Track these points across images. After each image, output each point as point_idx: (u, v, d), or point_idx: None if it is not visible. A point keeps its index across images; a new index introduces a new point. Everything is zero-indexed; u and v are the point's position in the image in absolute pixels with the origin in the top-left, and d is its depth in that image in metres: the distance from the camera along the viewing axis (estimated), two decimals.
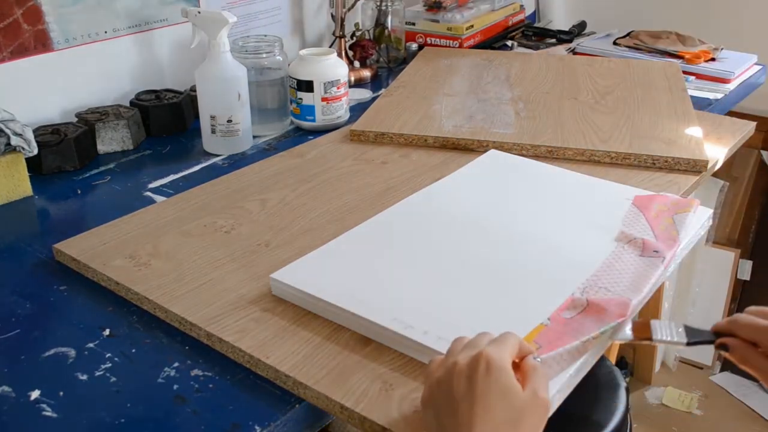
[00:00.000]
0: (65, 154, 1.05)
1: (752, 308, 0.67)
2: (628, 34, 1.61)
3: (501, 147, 1.06)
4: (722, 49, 1.49)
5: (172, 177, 1.05)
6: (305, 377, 0.62)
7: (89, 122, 1.11)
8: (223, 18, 1.05)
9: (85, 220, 0.94)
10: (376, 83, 1.45)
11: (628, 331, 0.66)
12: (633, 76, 1.35)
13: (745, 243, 2.01)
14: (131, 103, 1.19)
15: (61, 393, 0.63)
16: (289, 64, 1.19)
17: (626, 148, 1.04)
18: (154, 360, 0.67)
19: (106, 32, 1.18)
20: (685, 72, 1.39)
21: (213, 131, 1.10)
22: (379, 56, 1.52)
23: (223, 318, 0.70)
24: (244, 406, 0.62)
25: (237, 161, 1.09)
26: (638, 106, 1.20)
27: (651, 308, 1.97)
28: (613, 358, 1.84)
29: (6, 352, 0.69)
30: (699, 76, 1.42)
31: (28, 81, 1.10)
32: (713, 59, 1.46)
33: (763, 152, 1.91)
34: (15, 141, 0.95)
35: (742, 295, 2.06)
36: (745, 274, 2.02)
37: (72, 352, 0.69)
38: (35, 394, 0.63)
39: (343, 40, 1.43)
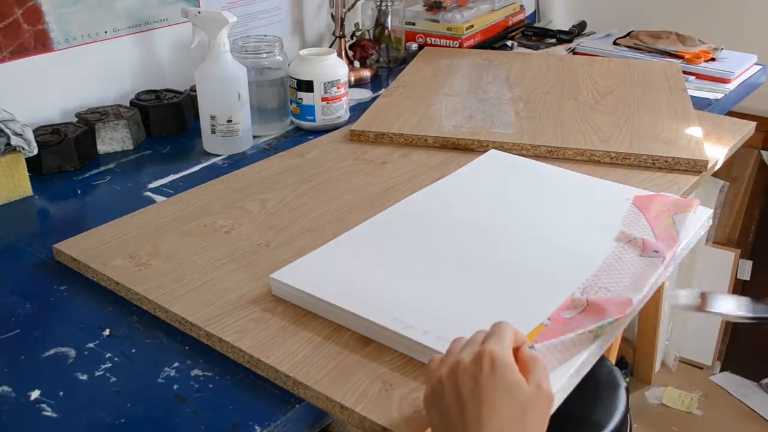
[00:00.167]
0: (65, 154, 1.05)
1: None
2: (628, 34, 1.61)
3: (501, 147, 1.06)
4: (722, 49, 1.49)
5: (172, 177, 1.05)
6: (305, 377, 0.62)
7: (89, 122, 1.11)
8: (223, 18, 1.05)
9: (85, 220, 0.94)
10: (376, 83, 1.45)
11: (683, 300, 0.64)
12: (633, 76, 1.35)
13: (745, 243, 2.01)
14: (131, 103, 1.19)
15: (61, 393, 0.63)
16: (289, 64, 1.19)
17: (626, 148, 1.04)
18: (154, 360, 0.67)
19: (106, 32, 1.18)
20: (685, 72, 1.39)
21: (213, 131, 1.10)
22: (379, 56, 1.52)
23: (223, 318, 0.70)
24: (244, 406, 0.62)
25: (237, 161, 1.09)
26: (638, 106, 1.20)
27: (651, 308, 1.97)
28: (613, 358, 1.84)
29: (6, 352, 0.69)
30: (699, 76, 1.42)
31: (28, 81, 1.10)
32: (713, 59, 1.46)
33: (763, 152, 1.91)
34: (15, 141, 0.95)
35: (742, 295, 2.06)
36: (745, 274, 2.01)
37: (72, 352, 0.69)
38: (35, 394, 0.63)
39: (343, 40, 1.43)
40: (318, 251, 0.79)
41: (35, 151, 0.98)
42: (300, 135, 1.19)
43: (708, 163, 1.00)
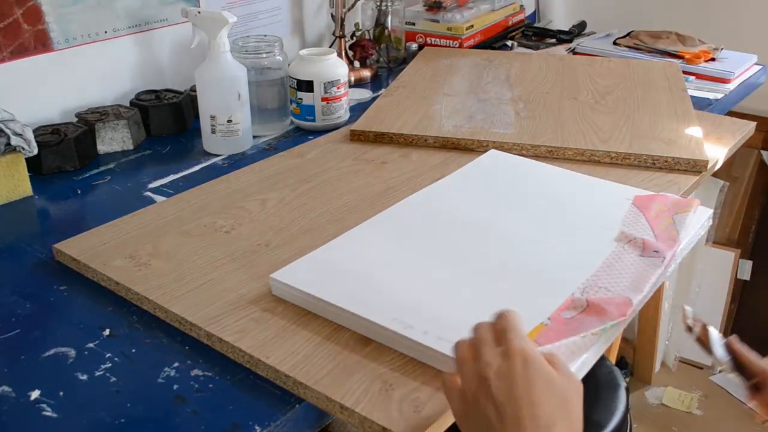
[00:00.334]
0: (65, 154, 1.05)
1: None
2: (628, 34, 1.61)
3: (501, 147, 1.06)
4: (722, 49, 1.49)
5: (172, 177, 1.05)
6: (305, 377, 0.62)
7: (89, 122, 1.11)
8: (223, 18, 1.05)
9: (85, 220, 0.94)
10: (376, 83, 1.45)
11: (696, 329, 0.64)
12: (633, 76, 1.35)
13: (745, 243, 2.01)
14: (131, 103, 1.19)
15: (61, 393, 0.63)
16: (289, 64, 1.19)
17: (626, 148, 1.04)
18: (154, 360, 0.67)
19: (106, 32, 1.18)
20: (685, 72, 1.39)
21: (213, 131, 1.10)
22: (379, 56, 1.52)
23: (223, 318, 0.70)
24: (244, 406, 0.62)
25: (237, 161, 1.09)
26: (638, 106, 1.20)
27: (651, 308, 1.97)
28: (613, 358, 1.84)
29: (6, 352, 0.69)
30: (699, 76, 1.42)
31: (28, 81, 1.10)
32: (713, 59, 1.46)
33: (763, 152, 1.91)
34: (15, 141, 0.95)
35: (742, 295, 2.06)
36: (745, 274, 2.02)
37: (72, 352, 0.69)
38: (35, 394, 0.63)
39: (343, 40, 1.43)
40: (318, 251, 0.79)
41: (35, 151, 0.98)
42: (300, 135, 1.19)
43: (708, 163, 1.00)
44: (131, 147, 1.14)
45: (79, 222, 0.93)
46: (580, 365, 0.63)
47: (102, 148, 1.12)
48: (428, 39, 1.60)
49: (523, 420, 0.50)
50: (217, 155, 1.12)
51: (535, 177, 0.97)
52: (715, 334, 0.62)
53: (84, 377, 0.65)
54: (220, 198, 0.95)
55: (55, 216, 0.97)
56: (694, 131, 1.10)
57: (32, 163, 1.02)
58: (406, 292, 0.71)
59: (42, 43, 1.10)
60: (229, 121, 1.09)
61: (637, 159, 1.03)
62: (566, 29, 1.73)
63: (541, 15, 1.95)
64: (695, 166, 1.01)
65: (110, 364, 0.67)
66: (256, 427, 0.59)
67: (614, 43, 1.58)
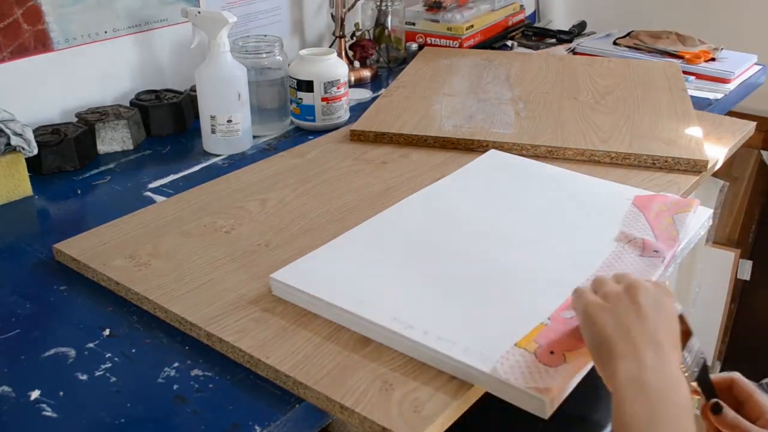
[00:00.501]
0: (65, 154, 1.05)
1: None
2: (628, 34, 1.61)
3: (501, 147, 1.06)
4: (722, 49, 1.49)
5: (172, 177, 1.05)
6: (305, 377, 0.62)
7: (89, 122, 1.11)
8: (223, 18, 1.05)
9: (85, 220, 0.94)
10: (376, 83, 1.45)
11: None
12: (633, 76, 1.35)
13: (745, 243, 2.01)
14: (131, 103, 1.19)
15: (61, 393, 0.63)
16: (289, 64, 1.19)
17: (626, 148, 1.04)
18: (154, 360, 0.67)
19: (106, 32, 1.18)
20: (685, 72, 1.39)
21: (213, 131, 1.10)
22: (379, 56, 1.52)
23: (223, 318, 0.70)
24: (244, 406, 0.62)
25: (237, 161, 1.09)
26: (638, 106, 1.20)
27: None
28: None
29: (6, 352, 0.69)
30: (699, 76, 1.42)
31: (28, 81, 1.10)
32: (713, 59, 1.46)
33: (763, 152, 1.91)
34: (15, 141, 0.95)
35: (742, 295, 2.06)
36: (745, 274, 2.01)
37: (72, 352, 0.69)
38: (35, 394, 0.63)
39: (343, 40, 1.43)
40: (318, 251, 0.79)
41: (35, 151, 0.98)
42: (300, 135, 1.19)
43: (708, 163, 1.00)
44: (131, 147, 1.14)
45: (79, 222, 0.93)
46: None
47: (102, 148, 1.12)
48: (428, 39, 1.60)
49: (659, 332, 0.57)
50: (217, 155, 1.12)
51: (535, 177, 0.97)
52: (695, 344, 0.62)
53: (84, 377, 0.65)
54: (220, 198, 0.95)
55: (55, 216, 0.97)
56: (694, 131, 1.10)
57: (32, 163, 1.02)
58: (406, 292, 0.71)
59: (42, 43, 1.10)
60: (229, 121, 1.09)
61: (637, 159, 1.03)
62: (566, 29, 1.73)
63: (541, 15, 1.95)
64: (695, 166, 1.01)
65: (110, 364, 0.67)
66: (256, 427, 0.59)
67: (614, 43, 1.58)
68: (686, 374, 0.60)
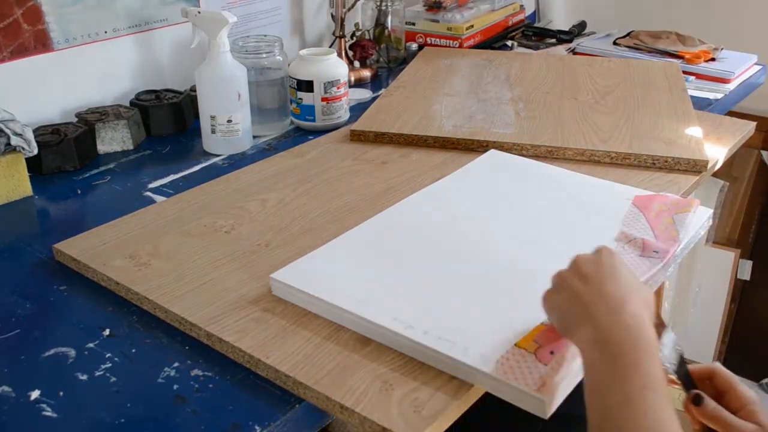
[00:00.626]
0: (65, 154, 1.05)
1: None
2: (628, 34, 1.61)
3: (501, 147, 1.06)
4: (722, 49, 1.49)
5: (172, 177, 1.05)
6: (305, 377, 0.62)
7: (89, 122, 1.11)
8: (223, 18, 1.05)
9: (85, 220, 0.94)
10: (376, 83, 1.45)
11: None
12: (633, 76, 1.35)
13: (745, 243, 2.01)
14: (131, 103, 1.19)
15: (61, 393, 0.63)
16: (289, 64, 1.19)
17: (626, 148, 1.04)
18: (154, 360, 0.67)
19: (106, 32, 1.18)
20: (685, 72, 1.39)
21: (213, 131, 1.10)
22: (379, 56, 1.52)
23: (223, 318, 0.70)
24: (244, 406, 0.62)
25: (237, 161, 1.09)
26: (638, 106, 1.20)
27: None
28: None
29: (6, 352, 0.69)
30: (699, 76, 1.42)
31: (28, 81, 1.10)
32: (713, 59, 1.46)
33: (763, 152, 1.91)
34: (15, 141, 0.95)
35: (742, 295, 2.06)
36: (745, 274, 2.01)
37: (72, 352, 0.68)
38: (35, 394, 0.63)
39: (343, 40, 1.43)
40: (318, 251, 0.79)
41: (35, 151, 0.98)
42: (300, 135, 1.19)
43: (708, 163, 1.00)
44: (131, 147, 1.14)
45: (79, 222, 0.93)
46: (581, 365, 0.62)
47: (102, 148, 1.12)
48: (428, 39, 1.60)
49: (606, 287, 0.58)
50: (217, 155, 1.12)
51: (535, 177, 0.97)
52: (670, 336, 0.62)
53: (84, 377, 0.65)
54: (220, 198, 0.95)
55: (55, 216, 0.97)
56: (694, 131, 1.10)
57: (32, 163, 1.02)
58: (406, 292, 0.71)
59: (42, 43, 1.10)
60: (229, 121, 1.09)
61: (637, 159, 1.03)
62: (566, 29, 1.73)
63: (541, 15, 1.95)
64: (695, 166, 1.01)
65: (110, 364, 0.67)
66: (256, 427, 0.59)
67: (614, 43, 1.58)
68: (664, 368, 0.60)
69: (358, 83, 1.43)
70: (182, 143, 1.17)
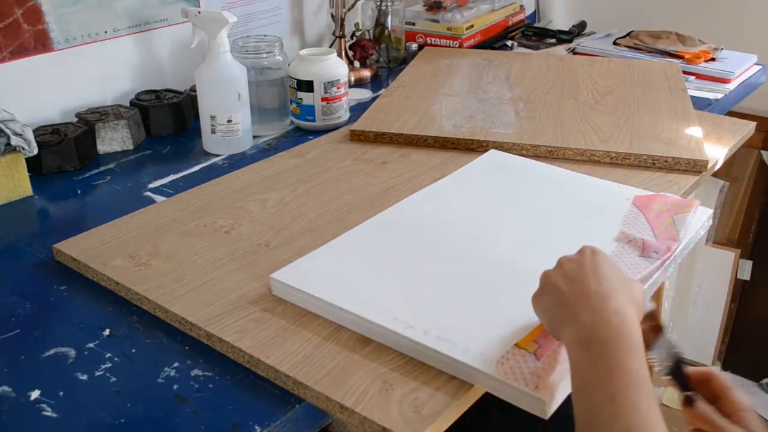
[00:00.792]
0: (65, 154, 1.05)
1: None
2: (628, 34, 1.61)
3: (501, 147, 1.06)
4: (722, 49, 1.49)
5: (172, 177, 1.05)
6: (305, 377, 0.62)
7: (89, 122, 1.11)
8: (223, 18, 1.05)
9: (85, 220, 0.94)
10: (376, 83, 1.45)
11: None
12: (633, 76, 1.35)
13: (745, 243, 2.01)
14: (131, 103, 1.19)
15: (61, 393, 0.63)
16: (289, 64, 1.19)
17: (626, 148, 1.04)
18: (154, 360, 0.67)
19: (106, 32, 1.18)
20: (685, 72, 1.39)
21: (213, 131, 1.10)
22: (379, 56, 1.52)
23: (223, 318, 0.70)
24: (244, 406, 0.62)
25: (237, 161, 1.09)
26: (638, 106, 1.20)
27: None
28: None
29: (6, 352, 0.69)
30: (699, 76, 1.42)
31: (28, 81, 1.10)
32: (713, 59, 1.46)
33: (763, 152, 1.91)
34: (15, 141, 0.95)
35: (742, 295, 2.06)
36: (745, 274, 2.01)
37: (72, 352, 0.69)
38: (35, 394, 0.63)
39: (343, 40, 1.43)
40: (318, 251, 0.79)
41: (35, 151, 0.98)
42: (300, 135, 1.19)
43: (708, 163, 1.00)
44: (131, 147, 1.14)
45: (79, 222, 0.93)
46: None
47: (102, 148, 1.12)
48: (428, 39, 1.60)
49: (588, 285, 0.58)
50: (217, 155, 1.12)
51: (535, 177, 0.97)
52: (666, 339, 0.62)
53: (84, 377, 0.65)
54: (220, 198, 0.95)
55: (55, 216, 0.97)
56: (694, 131, 1.10)
57: (32, 163, 1.02)
58: (406, 292, 0.71)
59: (42, 43, 1.10)
60: (229, 121, 1.09)
61: (637, 159, 1.03)
62: (566, 29, 1.73)
63: (541, 15, 1.95)
64: (695, 166, 1.01)
65: (110, 364, 0.67)
66: (256, 427, 0.59)
67: (614, 43, 1.58)
68: (657, 369, 0.61)
69: (358, 83, 1.43)
70: (182, 143, 1.17)
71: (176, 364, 0.67)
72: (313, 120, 1.18)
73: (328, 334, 0.68)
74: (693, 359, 2.14)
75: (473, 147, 1.08)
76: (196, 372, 0.66)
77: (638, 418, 0.50)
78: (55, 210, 0.98)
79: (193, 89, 1.22)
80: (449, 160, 1.05)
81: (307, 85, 1.16)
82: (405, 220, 0.85)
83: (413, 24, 1.60)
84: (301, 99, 1.17)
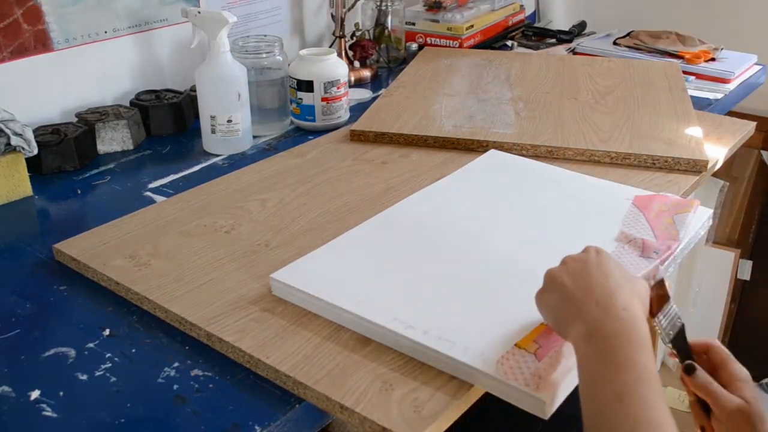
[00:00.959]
0: (65, 154, 1.05)
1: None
2: (628, 34, 1.61)
3: (501, 147, 1.06)
4: (722, 49, 1.49)
5: (172, 177, 1.05)
6: (305, 377, 0.62)
7: (89, 122, 1.11)
8: (223, 18, 1.05)
9: (85, 220, 0.94)
10: (376, 83, 1.45)
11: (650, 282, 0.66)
12: (633, 76, 1.35)
13: (745, 243, 2.01)
14: (131, 103, 1.19)
15: (61, 393, 0.63)
16: (289, 64, 1.19)
17: (626, 148, 1.04)
18: (154, 360, 0.67)
19: (106, 32, 1.18)
20: (685, 72, 1.39)
21: (213, 131, 1.10)
22: (379, 56, 1.52)
23: (223, 318, 0.70)
24: (244, 406, 0.62)
25: (237, 161, 1.09)
26: (638, 106, 1.20)
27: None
28: None
29: (6, 352, 0.69)
30: (699, 76, 1.42)
31: (28, 81, 1.10)
32: (713, 59, 1.46)
33: (763, 152, 1.91)
34: (15, 141, 0.95)
35: (742, 295, 2.06)
36: (745, 274, 2.01)
37: (72, 352, 0.69)
38: (35, 394, 0.63)
39: (343, 40, 1.43)
40: (318, 251, 0.79)
41: (35, 151, 0.98)
42: (300, 135, 1.19)
43: (708, 163, 1.00)
44: (131, 147, 1.14)
45: (79, 222, 0.93)
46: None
47: (102, 148, 1.12)
48: (428, 39, 1.60)
49: (594, 282, 0.59)
50: (217, 155, 1.12)
51: (535, 177, 0.97)
52: (672, 308, 0.63)
53: (84, 377, 0.65)
54: (220, 198, 0.95)
55: (55, 216, 0.97)
56: (694, 131, 1.10)
57: (32, 163, 1.02)
58: (406, 292, 0.71)
59: (42, 43, 1.10)
60: (229, 121, 1.09)
61: (637, 159, 1.03)
62: (566, 29, 1.73)
63: (541, 15, 1.95)
64: (695, 166, 1.01)
65: (110, 364, 0.67)
66: (256, 427, 0.59)
67: (614, 43, 1.58)
68: (660, 335, 0.62)
69: (358, 83, 1.43)
70: (182, 143, 1.17)
71: (176, 364, 0.67)
72: (313, 120, 1.18)
73: (328, 334, 0.68)
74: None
75: (473, 147, 1.08)
76: (196, 372, 0.66)
77: (647, 413, 0.50)
78: (55, 210, 0.98)
79: (193, 89, 1.22)
80: (449, 160, 1.05)
81: (307, 85, 1.16)
82: (405, 220, 0.85)
83: (413, 24, 1.60)
84: (301, 99, 1.17)
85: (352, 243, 0.80)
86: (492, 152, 1.05)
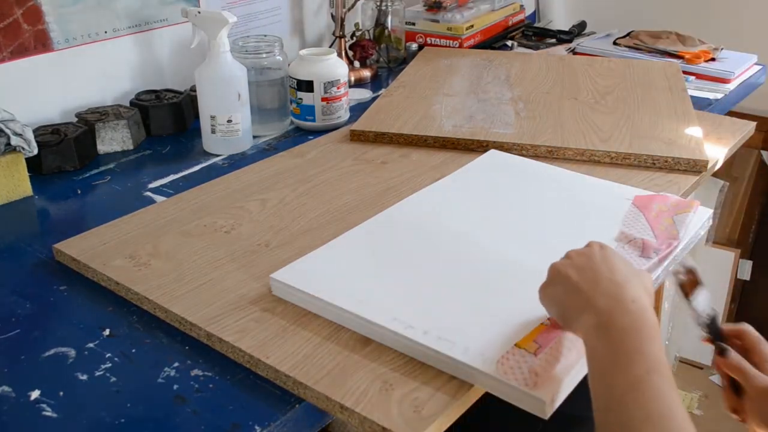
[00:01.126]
0: (65, 154, 1.05)
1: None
2: (628, 34, 1.61)
3: (501, 147, 1.06)
4: (722, 49, 1.49)
5: (172, 177, 1.05)
6: (305, 377, 0.62)
7: (89, 122, 1.11)
8: (223, 18, 1.05)
9: (85, 220, 0.94)
10: (376, 83, 1.45)
11: (680, 276, 0.69)
12: (633, 76, 1.35)
13: (745, 243, 2.01)
14: (131, 103, 1.19)
15: (61, 393, 0.63)
16: (289, 64, 1.19)
17: (626, 148, 1.04)
18: (154, 360, 0.67)
19: (106, 32, 1.18)
20: (685, 72, 1.39)
21: (213, 131, 1.10)
22: (379, 56, 1.52)
23: (223, 318, 0.70)
24: (244, 406, 0.62)
25: (237, 161, 1.09)
26: (638, 106, 1.20)
27: None
28: None
29: (6, 352, 0.69)
30: (699, 76, 1.42)
31: (28, 81, 1.10)
32: (713, 59, 1.46)
33: (763, 152, 1.91)
34: (15, 141, 0.95)
35: (742, 295, 2.06)
36: (745, 274, 2.01)
37: (72, 352, 0.69)
38: (35, 394, 0.63)
39: (343, 40, 1.43)
40: (318, 251, 0.79)
41: (35, 151, 0.98)
42: (300, 135, 1.19)
43: (708, 163, 1.00)
44: (131, 147, 1.14)
45: (79, 222, 0.93)
46: (581, 365, 0.62)
47: (102, 148, 1.12)
48: (428, 39, 1.60)
49: (601, 274, 0.59)
50: (217, 155, 1.12)
51: (535, 177, 0.97)
52: (703, 293, 0.66)
53: (84, 377, 0.65)
54: (220, 198, 0.95)
55: (55, 216, 0.97)
56: (694, 131, 1.10)
57: (32, 163, 1.02)
58: (405, 292, 0.71)
59: (42, 43, 1.10)
60: (229, 121, 1.09)
61: (637, 159, 1.03)
62: (566, 29, 1.73)
63: (541, 15, 1.95)
64: (695, 166, 1.01)
65: (110, 364, 0.67)
66: (256, 427, 0.59)
67: (614, 43, 1.58)
68: (695, 319, 0.66)
69: (358, 83, 1.43)
70: (182, 143, 1.17)
71: (176, 364, 0.67)
72: (313, 120, 1.18)
73: (328, 334, 0.68)
74: (693, 359, 2.14)
75: (473, 147, 1.08)
76: (196, 372, 0.66)
77: (660, 403, 0.51)
78: (55, 210, 0.98)
79: (193, 89, 1.22)
80: (449, 160, 1.05)
81: (307, 85, 1.16)
82: (405, 220, 0.85)
83: (413, 24, 1.60)
84: (301, 99, 1.17)
85: (352, 243, 0.80)
86: (492, 152, 1.05)
